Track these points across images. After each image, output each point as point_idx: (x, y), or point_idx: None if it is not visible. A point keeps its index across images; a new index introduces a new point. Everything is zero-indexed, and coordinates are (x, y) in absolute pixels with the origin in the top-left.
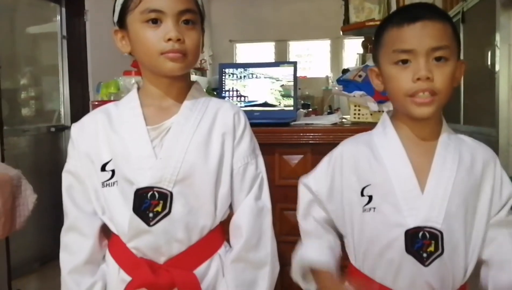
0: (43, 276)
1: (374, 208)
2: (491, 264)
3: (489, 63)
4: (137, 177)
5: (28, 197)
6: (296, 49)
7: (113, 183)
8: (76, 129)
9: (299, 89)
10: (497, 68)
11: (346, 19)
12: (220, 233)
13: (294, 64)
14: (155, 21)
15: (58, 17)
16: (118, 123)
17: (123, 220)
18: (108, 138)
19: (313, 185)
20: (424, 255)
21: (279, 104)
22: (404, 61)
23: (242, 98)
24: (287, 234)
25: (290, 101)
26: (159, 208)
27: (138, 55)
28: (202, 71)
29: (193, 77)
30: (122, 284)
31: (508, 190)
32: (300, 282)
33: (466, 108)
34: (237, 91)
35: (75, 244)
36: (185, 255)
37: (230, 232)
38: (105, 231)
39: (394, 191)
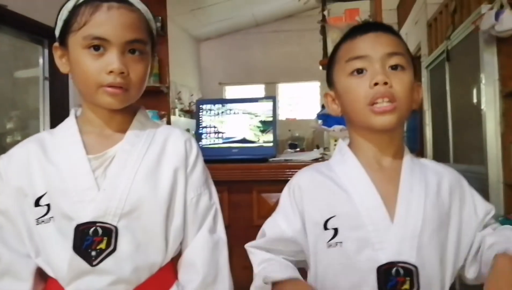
0: None
1: (341, 242)
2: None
3: (475, 100)
4: (77, 211)
5: None
6: (286, 91)
7: (49, 219)
8: (4, 161)
9: (289, 131)
10: (483, 105)
11: (325, 53)
12: (172, 270)
13: (273, 99)
14: (97, 48)
15: (41, 59)
16: (53, 152)
17: (61, 261)
18: (42, 169)
19: (286, 226)
20: None
21: (258, 140)
22: (360, 71)
23: (220, 135)
24: None
25: (270, 137)
26: (102, 245)
27: (76, 82)
28: (191, 114)
29: (182, 120)
30: None
31: (482, 208)
32: None
33: (455, 146)
34: (214, 127)
35: None
36: None
37: (182, 269)
38: (41, 275)
39: (362, 222)
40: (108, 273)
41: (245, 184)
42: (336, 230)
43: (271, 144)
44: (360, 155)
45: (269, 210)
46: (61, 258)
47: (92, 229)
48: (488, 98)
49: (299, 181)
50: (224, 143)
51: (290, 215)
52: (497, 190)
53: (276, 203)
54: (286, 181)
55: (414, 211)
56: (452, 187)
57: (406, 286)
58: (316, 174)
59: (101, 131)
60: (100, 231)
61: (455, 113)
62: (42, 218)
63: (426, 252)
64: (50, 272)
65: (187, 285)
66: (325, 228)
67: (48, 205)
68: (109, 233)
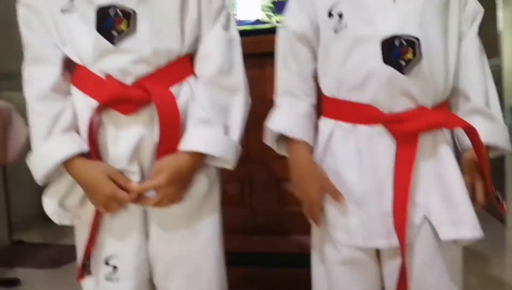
0: (44, 228)
1: (346, 24)
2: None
3: None
4: None
5: (20, 130)
6: None
7: (73, 7)
8: None
9: None
10: None
11: None
12: (189, 62)
13: None
14: None
15: None
16: None
17: (86, 43)
18: None
19: (294, 24)
20: (403, 62)
21: (271, 21)
22: None
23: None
24: None
25: (283, 18)
26: (123, 27)
27: None
28: None
29: None
30: (90, 110)
31: (473, 5)
32: (274, 147)
33: None
34: None
35: (41, 73)
36: (153, 77)
37: (199, 61)
38: (68, 65)
39: (365, 4)
40: (130, 52)
41: (258, 57)
42: (340, 15)
43: None
44: None
45: None
46: (86, 41)
47: (112, 11)
48: None
49: None
50: (237, 25)
51: (297, 14)
52: (511, 83)
53: None
54: None
55: None
56: None
57: (409, 55)
58: None
59: None
60: (119, 12)
61: None
62: (66, 6)
63: (428, 26)
64: (77, 59)
65: (204, 73)
66: (330, 14)
67: None
68: (128, 16)
